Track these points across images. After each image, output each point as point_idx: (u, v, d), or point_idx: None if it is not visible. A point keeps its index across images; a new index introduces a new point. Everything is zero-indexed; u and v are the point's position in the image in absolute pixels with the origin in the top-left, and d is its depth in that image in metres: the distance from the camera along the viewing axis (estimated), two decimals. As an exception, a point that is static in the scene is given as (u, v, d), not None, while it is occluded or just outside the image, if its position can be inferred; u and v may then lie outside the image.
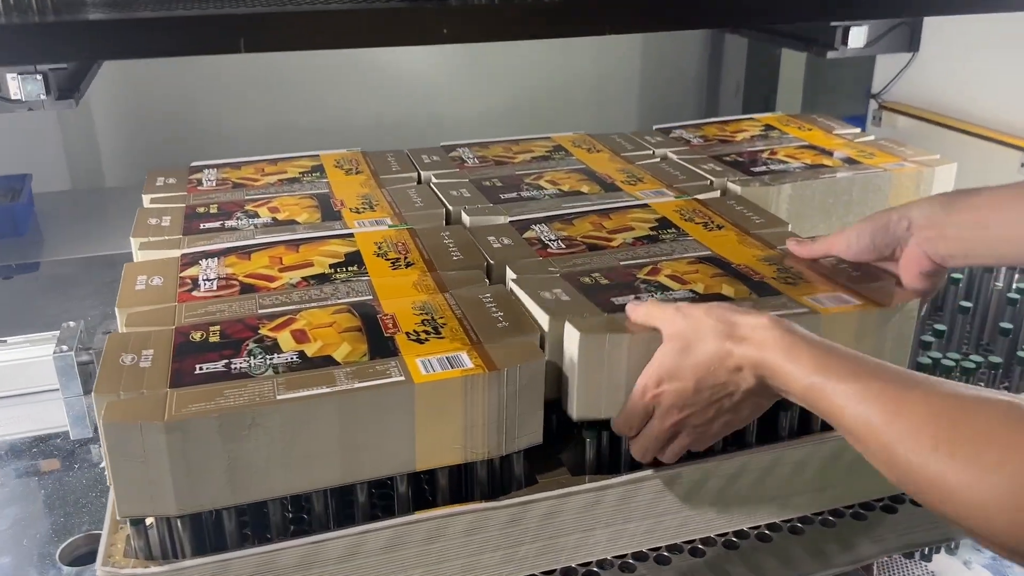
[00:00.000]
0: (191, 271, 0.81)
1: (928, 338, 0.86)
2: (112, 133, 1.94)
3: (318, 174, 1.07)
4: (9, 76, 1.10)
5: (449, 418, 0.65)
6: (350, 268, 0.82)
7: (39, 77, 1.10)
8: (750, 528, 0.77)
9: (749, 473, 0.75)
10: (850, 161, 1.11)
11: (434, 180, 1.06)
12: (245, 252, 0.85)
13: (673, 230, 0.90)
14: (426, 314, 0.73)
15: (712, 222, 0.91)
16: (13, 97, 1.11)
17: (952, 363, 0.82)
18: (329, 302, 0.75)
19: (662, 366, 0.66)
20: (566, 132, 1.24)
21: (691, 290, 0.77)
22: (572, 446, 0.76)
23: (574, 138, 1.22)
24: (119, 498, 0.61)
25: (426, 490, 0.74)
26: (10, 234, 1.40)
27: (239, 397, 0.61)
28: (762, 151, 1.15)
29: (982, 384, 0.88)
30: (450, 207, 0.96)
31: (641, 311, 0.70)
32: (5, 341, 1.02)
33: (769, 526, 0.77)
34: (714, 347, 0.64)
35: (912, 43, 1.45)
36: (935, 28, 1.42)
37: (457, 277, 0.80)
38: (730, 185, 1.03)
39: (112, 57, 1.07)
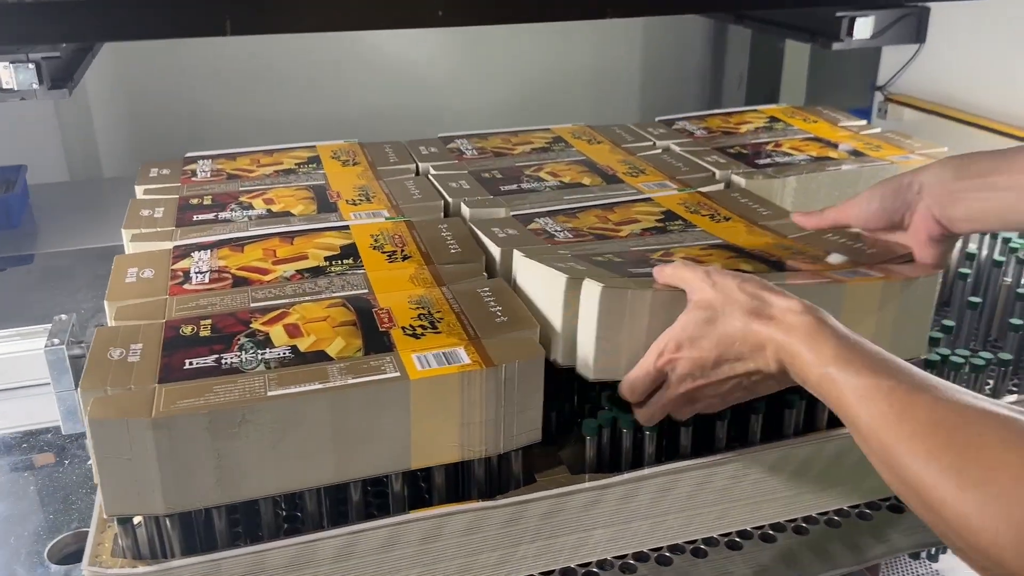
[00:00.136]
0: (183, 263, 0.79)
1: (936, 334, 0.84)
2: (110, 124, 1.92)
3: (314, 165, 1.06)
4: (1, 65, 1.08)
5: (446, 415, 0.64)
6: (345, 261, 0.80)
7: (31, 66, 1.08)
8: (754, 528, 0.75)
9: (753, 472, 0.73)
10: (856, 153, 1.09)
11: (432, 172, 1.04)
12: (238, 244, 0.83)
13: (680, 222, 0.88)
14: (423, 308, 0.71)
15: (719, 214, 0.89)
16: (5, 86, 1.09)
17: (961, 360, 0.80)
18: (323, 296, 0.74)
19: (684, 331, 0.65)
20: (567, 123, 1.22)
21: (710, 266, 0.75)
22: (572, 444, 0.74)
23: (574, 129, 1.20)
24: (106, 496, 0.59)
25: (422, 488, 0.72)
26: (4, 226, 1.38)
27: (229, 393, 0.60)
28: (767, 143, 1.13)
29: (990, 382, 0.86)
30: (449, 199, 0.94)
31: (668, 271, 0.69)
32: (-4, 334, 1.00)
33: (773, 526, 0.76)
34: (741, 323, 0.63)
35: (919, 34, 1.43)
36: (942, 19, 1.40)
37: (455, 271, 0.78)
38: (734, 177, 1.01)
39: (93, 39, 1.04)
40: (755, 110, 1.28)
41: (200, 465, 0.59)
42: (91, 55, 1.25)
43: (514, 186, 0.98)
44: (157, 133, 1.94)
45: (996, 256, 1.02)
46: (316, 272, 0.78)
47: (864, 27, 1.36)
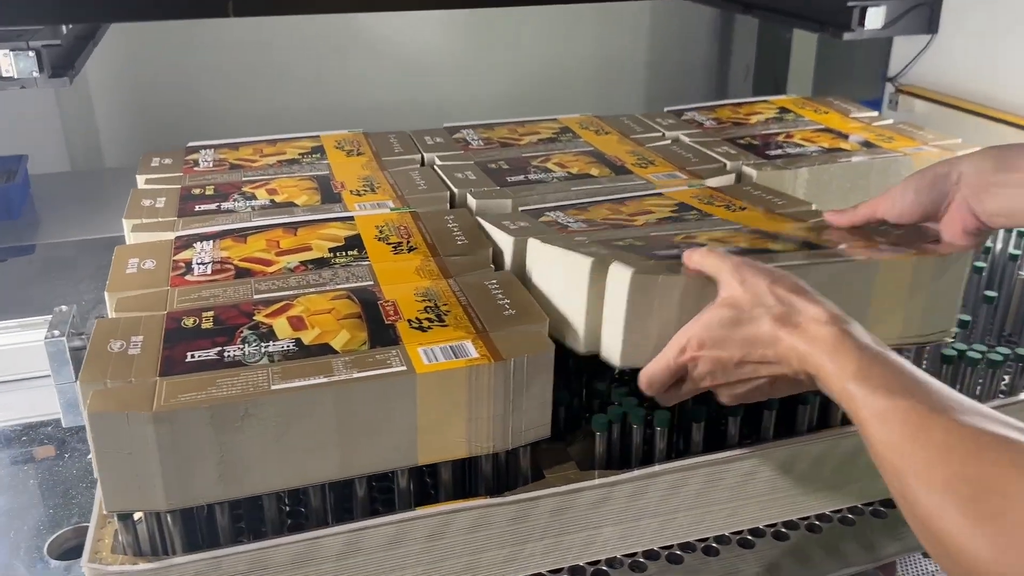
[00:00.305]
0: (185, 254, 0.78)
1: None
2: (111, 113, 1.91)
3: (318, 155, 1.04)
4: (1, 53, 1.07)
5: (453, 410, 0.62)
6: (350, 252, 0.78)
7: (31, 54, 1.07)
8: (766, 526, 0.74)
9: (765, 469, 0.72)
10: (868, 145, 1.07)
11: (438, 162, 1.03)
12: (241, 235, 0.81)
13: (695, 212, 0.85)
14: (429, 301, 0.70)
15: (733, 204, 0.87)
16: (5, 74, 1.08)
17: (978, 355, 0.78)
18: (328, 287, 0.72)
19: (708, 330, 0.63)
20: (572, 114, 1.21)
21: (737, 246, 0.72)
22: (581, 439, 0.73)
23: (581, 120, 1.18)
24: (106, 492, 0.58)
25: (428, 484, 0.71)
26: (5, 216, 1.37)
27: (232, 387, 0.58)
28: (777, 134, 1.11)
29: (1007, 378, 0.84)
30: (455, 190, 0.93)
31: (697, 257, 0.67)
32: (-4, 325, 0.99)
33: (786, 524, 0.74)
34: (767, 329, 0.61)
35: (931, 24, 1.41)
36: (954, 9, 1.38)
37: (461, 262, 0.77)
38: (745, 168, 0.99)
39: (93, 19, 1.03)
40: (765, 101, 1.26)
41: (202, 460, 0.58)
42: (92, 43, 1.24)
43: (521, 177, 0.96)
44: (159, 123, 1.92)
45: (1012, 250, 1.00)
46: (320, 264, 0.76)
47: (876, 17, 1.35)
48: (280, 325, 0.66)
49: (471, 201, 0.90)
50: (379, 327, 0.66)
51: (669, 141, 1.11)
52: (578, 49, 2.19)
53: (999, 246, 1.02)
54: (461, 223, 0.84)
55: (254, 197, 0.91)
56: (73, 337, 0.92)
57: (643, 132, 1.13)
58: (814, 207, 0.87)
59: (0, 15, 0.85)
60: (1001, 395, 0.82)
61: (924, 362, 0.82)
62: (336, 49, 1.99)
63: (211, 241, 0.80)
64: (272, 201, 0.90)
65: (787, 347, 0.60)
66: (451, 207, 0.92)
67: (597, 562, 0.70)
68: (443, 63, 2.09)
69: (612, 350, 0.67)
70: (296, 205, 0.89)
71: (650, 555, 0.71)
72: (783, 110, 1.22)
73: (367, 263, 0.77)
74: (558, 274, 0.72)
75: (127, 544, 0.61)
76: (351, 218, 0.85)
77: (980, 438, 0.48)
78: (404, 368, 0.61)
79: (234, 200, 0.90)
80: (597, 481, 0.67)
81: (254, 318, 0.67)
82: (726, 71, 2.37)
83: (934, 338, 0.76)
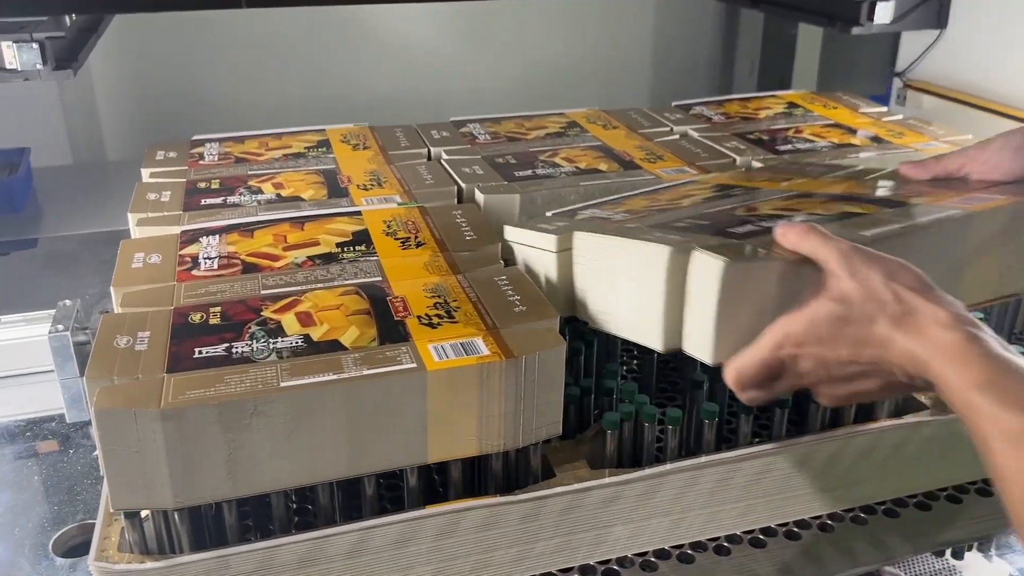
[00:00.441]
0: (191, 249, 0.77)
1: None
2: (114, 106, 1.89)
3: (324, 149, 1.03)
4: (4, 44, 1.06)
5: (463, 408, 0.62)
6: (358, 247, 0.78)
7: (35, 46, 1.06)
8: (778, 525, 0.73)
9: (778, 468, 0.71)
10: (878, 140, 1.07)
11: (445, 156, 1.02)
12: (248, 229, 0.81)
13: (739, 188, 0.80)
14: (438, 297, 0.69)
15: (777, 177, 0.81)
16: (8, 67, 1.07)
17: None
18: (336, 283, 0.71)
19: (812, 327, 0.57)
20: (576, 108, 1.20)
21: (812, 213, 0.66)
22: (591, 437, 0.72)
23: (588, 114, 1.18)
24: (112, 490, 0.57)
25: (436, 481, 0.70)
26: (7, 210, 1.36)
27: (240, 384, 0.58)
28: (787, 129, 1.10)
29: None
30: (463, 184, 0.92)
31: (795, 236, 0.59)
32: (0, 320, 0.98)
33: (798, 523, 0.74)
34: (881, 330, 0.55)
35: (940, 19, 1.40)
36: (963, 3, 1.37)
37: (470, 258, 0.76)
38: (755, 164, 0.98)
39: (104, 10, 1.02)
40: (774, 95, 1.26)
41: (210, 458, 0.57)
42: (96, 35, 1.23)
43: (529, 171, 0.96)
44: (161, 115, 1.91)
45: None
46: (328, 259, 0.76)
47: (885, 11, 1.34)
48: (288, 321, 0.65)
49: (479, 196, 0.89)
50: (388, 323, 0.65)
51: (677, 136, 1.10)
52: (583, 42, 2.18)
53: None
54: (469, 218, 0.84)
55: (260, 191, 0.90)
56: (77, 332, 0.91)
57: (651, 127, 1.12)
58: (860, 167, 0.81)
59: (5, 5, 0.84)
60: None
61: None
62: (339, 41, 1.98)
63: (217, 235, 0.79)
64: (278, 195, 0.89)
65: (903, 351, 0.54)
66: (458, 202, 0.91)
67: (607, 561, 0.69)
68: (447, 56, 2.08)
69: (701, 346, 0.62)
70: (303, 199, 0.88)
71: (661, 554, 0.70)
72: (792, 105, 1.21)
73: (375, 258, 0.76)
74: (623, 268, 0.66)
75: (134, 542, 0.60)
76: (358, 213, 0.84)
77: None
78: (415, 365, 0.60)
79: (240, 194, 0.89)
80: (608, 480, 0.67)
81: (262, 314, 0.66)
82: (731, 65, 2.35)
83: None
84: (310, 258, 0.76)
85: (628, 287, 0.66)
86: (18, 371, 0.95)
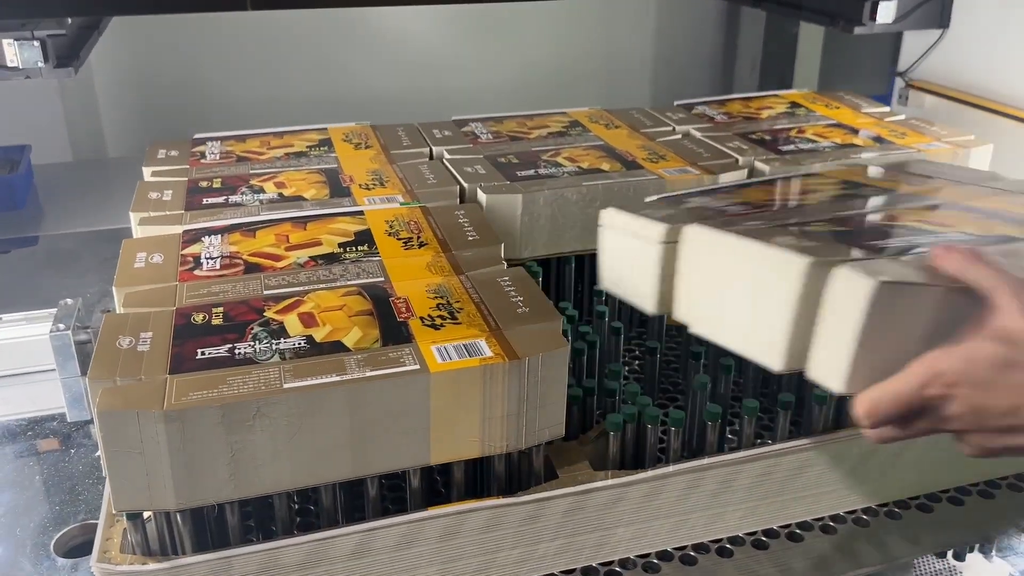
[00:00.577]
0: (193, 248, 0.77)
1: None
2: (115, 103, 1.89)
3: (326, 148, 1.03)
4: (5, 42, 1.05)
5: (466, 410, 0.61)
6: (360, 247, 0.77)
7: (36, 44, 1.06)
8: (780, 527, 0.73)
9: (780, 470, 0.71)
10: (880, 140, 1.06)
11: (447, 156, 1.01)
12: (250, 229, 0.80)
13: (870, 188, 0.73)
14: (441, 297, 0.69)
15: (911, 180, 0.74)
16: (10, 65, 1.07)
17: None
18: (338, 283, 0.71)
19: (970, 366, 0.50)
20: (577, 108, 1.19)
21: (965, 232, 0.59)
22: (594, 439, 0.72)
23: (591, 113, 1.17)
24: (115, 491, 0.57)
25: (437, 481, 0.70)
26: (8, 207, 1.36)
27: (243, 385, 0.57)
28: (789, 129, 1.10)
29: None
30: (465, 184, 0.92)
31: (957, 263, 0.52)
32: (1, 319, 0.98)
33: (800, 525, 0.74)
34: None
35: (942, 19, 1.40)
36: (965, 3, 1.37)
37: (473, 258, 0.76)
38: (757, 164, 0.98)
39: (104, 12, 1.01)
40: (776, 95, 1.25)
41: (213, 459, 0.57)
42: (97, 33, 1.23)
43: (531, 171, 0.95)
44: (161, 113, 1.91)
45: None
46: (330, 259, 0.75)
47: (887, 11, 1.33)
48: (291, 322, 0.65)
49: (481, 196, 0.89)
50: (391, 324, 0.65)
51: (680, 136, 1.10)
52: (584, 41, 2.17)
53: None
54: (471, 218, 0.84)
55: (262, 190, 0.90)
56: (79, 331, 0.91)
57: (653, 126, 1.12)
58: (1002, 180, 0.74)
59: (12, 7, 0.84)
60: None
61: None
62: (340, 38, 1.97)
63: (219, 235, 0.79)
64: (280, 195, 0.89)
65: None
66: (461, 201, 0.91)
67: (610, 563, 0.69)
68: (448, 54, 2.08)
69: (831, 373, 0.55)
70: (305, 199, 0.88)
71: (664, 556, 0.70)
72: (794, 105, 1.21)
73: (378, 258, 0.76)
74: (746, 273, 0.60)
75: (136, 543, 0.60)
76: (361, 213, 0.84)
77: None
78: (418, 367, 0.60)
79: (242, 193, 0.89)
80: (611, 482, 0.67)
81: (265, 314, 0.66)
82: (732, 64, 2.35)
83: None
84: (312, 258, 0.75)
85: (748, 296, 0.60)
86: (19, 370, 0.95)
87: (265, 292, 0.70)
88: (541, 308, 0.68)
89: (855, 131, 1.09)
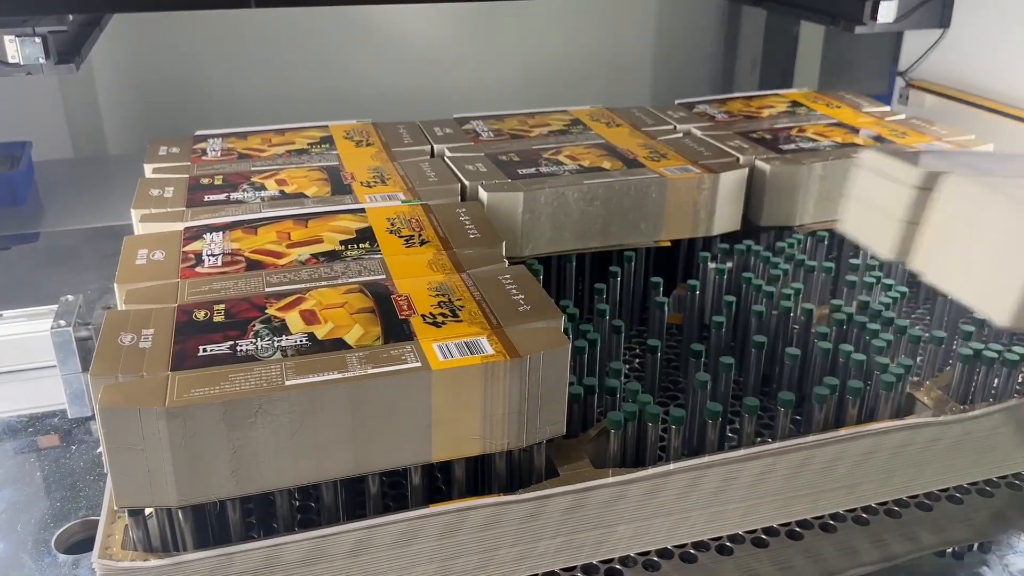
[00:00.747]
0: (195, 245, 0.77)
1: (968, 327, 0.82)
2: (116, 99, 1.89)
3: (327, 145, 1.03)
4: (7, 39, 1.05)
5: (468, 407, 0.62)
6: (362, 245, 0.78)
7: (38, 40, 1.06)
8: (780, 525, 0.73)
9: (780, 468, 0.71)
10: (881, 140, 1.07)
11: (448, 154, 1.02)
12: (251, 226, 0.80)
13: None
14: (443, 295, 0.69)
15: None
16: (11, 61, 1.07)
17: (995, 355, 0.78)
18: (340, 281, 0.71)
19: None
20: (578, 106, 1.20)
21: None
22: (595, 437, 0.72)
23: (592, 111, 1.17)
24: (116, 488, 0.57)
25: (438, 478, 0.70)
26: (9, 203, 1.36)
27: (245, 382, 0.58)
28: (790, 128, 1.10)
29: (1022, 377, 0.84)
30: (466, 182, 0.92)
31: None
32: (1, 315, 0.98)
33: (800, 523, 0.74)
34: None
35: (943, 18, 1.40)
36: (966, 3, 1.37)
37: (474, 256, 0.76)
38: (758, 163, 0.98)
39: (113, 9, 1.01)
40: (776, 94, 1.26)
41: (215, 456, 0.57)
42: (98, 30, 1.23)
43: (532, 169, 0.96)
44: (162, 109, 1.91)
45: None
46: (332, 256, 0.76)
47: (888, 11, 1.33)
48: (293, 319, 0.65)
49: (482, 194, 0.89)
50: (393, 322, 0.65)
51: (681, 134, 1.10)
52: (585, 40, 2.17)
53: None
54: (473, 216, 0.84)
55: (263, 188, 0.90)
56: (79, 327, 0.91)
57: (654, 125, 1.12)
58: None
59: (13, 4, 0.84)
60: (1016, 395, 0.81)
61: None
62: (342, 37, 1.97)
63: (221, 232, 0.79)
64: (282, 192, 0.89)
65: None
66: (462, 199, 0.91)
67: (610, 561, 0.69)
68: (450, 52, 2.08)
69: None
70: (306, 196, 0.88)
71: (664, 554, 0.70)
72: (795, 104, 1.21)
73: (379, 256, 0.76)
74: (998, 228, 0.60)
75: (138, 540, 0.60)
76: (362, 210, 0.84)
77: None
78: (419, 364, 0.60)
79: (243, 190, 0.89)
80: (612, 479, 0.67)
81: (266, 311, 0.66)
82: (733, 63, 2.35)
83: None
84: (314, 255, 0.76)
85: (993, 251, 0.60)
86: (19, 366, 0.95)
87: (267, 289, 0.70)
88: (542, 306, 0.68)
89: (856, 130, 1.10)
